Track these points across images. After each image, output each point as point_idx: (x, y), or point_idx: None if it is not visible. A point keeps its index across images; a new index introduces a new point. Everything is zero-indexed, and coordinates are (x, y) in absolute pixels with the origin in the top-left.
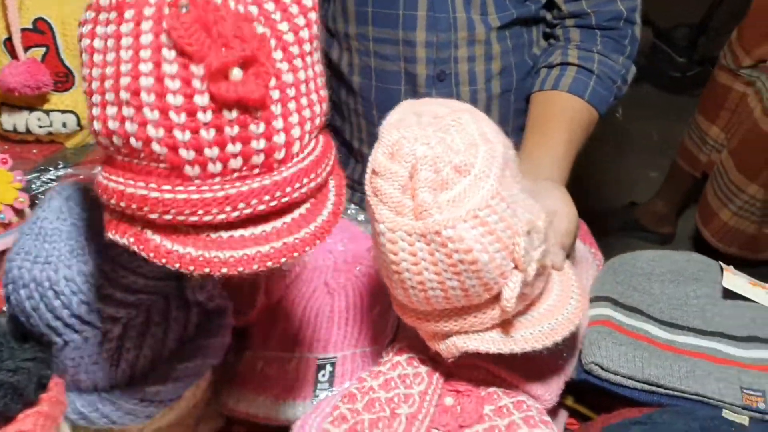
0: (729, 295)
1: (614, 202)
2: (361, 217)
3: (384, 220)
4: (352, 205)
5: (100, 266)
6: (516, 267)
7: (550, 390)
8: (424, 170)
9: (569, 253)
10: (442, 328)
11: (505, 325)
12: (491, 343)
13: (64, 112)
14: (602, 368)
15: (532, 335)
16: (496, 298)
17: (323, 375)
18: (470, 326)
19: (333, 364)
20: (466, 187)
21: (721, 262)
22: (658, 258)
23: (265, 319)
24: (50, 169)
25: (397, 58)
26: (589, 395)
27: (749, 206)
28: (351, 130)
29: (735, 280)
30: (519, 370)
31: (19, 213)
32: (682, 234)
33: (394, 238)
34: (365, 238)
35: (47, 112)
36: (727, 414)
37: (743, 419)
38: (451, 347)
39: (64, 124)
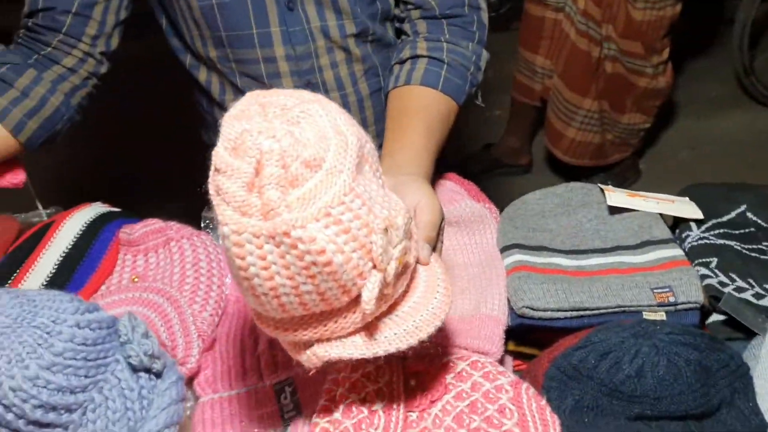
0: (614, 210)
1: (471, 147)
2: None
3: (228, 222)
4: None
5: (44, 365)
6: (374, 267)
7: (495, 343)
8: (271, 166)
9: (435, 246)
10: (300, 337)
11: (369, 327)
12: (354, 348)
13: None
14: (533, 309)
15: (396, 335)
16: (356, 300)
17: (285, 398)
18: (331, 333)
19: (291, 385)
20: (317, 184)
21: (599, 184)
22: (543, 196)
23: (209, 364)
24: None
25: (261, 76)
26: (527, 335)
27: (588, 119)
28: None
29: (615, 197)
30: (463, 335)
31: None
32: (538, 159)
33: (240, 241)
34: None
35: None
36: (647, 315)
37: (661, 315)
38: (312, 357)
39: None
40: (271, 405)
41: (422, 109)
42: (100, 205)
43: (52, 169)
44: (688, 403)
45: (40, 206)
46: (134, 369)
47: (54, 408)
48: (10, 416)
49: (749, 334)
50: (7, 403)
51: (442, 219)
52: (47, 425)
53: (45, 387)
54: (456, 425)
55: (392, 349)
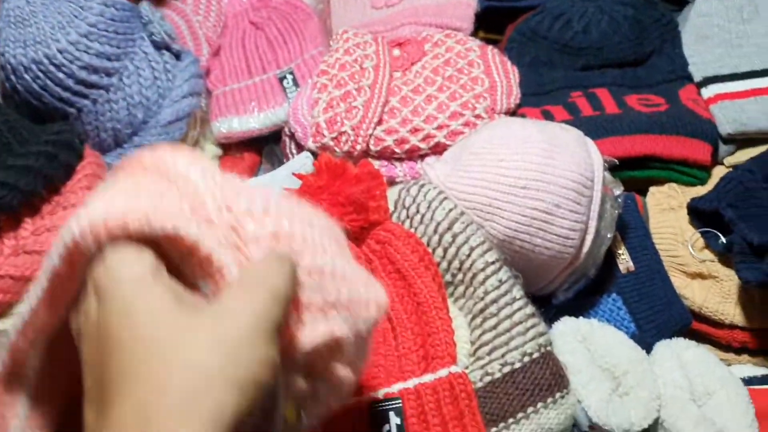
0: None
1: None
2: None
3: None
4: None
5: (82, 33)
6: None
7: (466, 21)
8: None
9: None
10: None
11: None
12: None
13: None
14: None
15: None
16: None
17: (287, 83)
18: None
19: (291, 73)
20: None
21: None
22: None
23: (216, 66)
24: None
25: None
26: (493, 25)
27: None
28: None
29: None
30: (438, 16)
31: None
32: None
33: None
34: None
35: None
36: None
37: None
38: None
39: None
40: (277, 89)
41: None
42: None
43: None
44: (625, 51)
45: None
46: (157, 46)
47: (96, 70)
48: (61, 75)
49: (682, 7)
50: (57, 62)
51: None
52: (92, 86)
53: (85, 51)
54: (433, 74)
55: None
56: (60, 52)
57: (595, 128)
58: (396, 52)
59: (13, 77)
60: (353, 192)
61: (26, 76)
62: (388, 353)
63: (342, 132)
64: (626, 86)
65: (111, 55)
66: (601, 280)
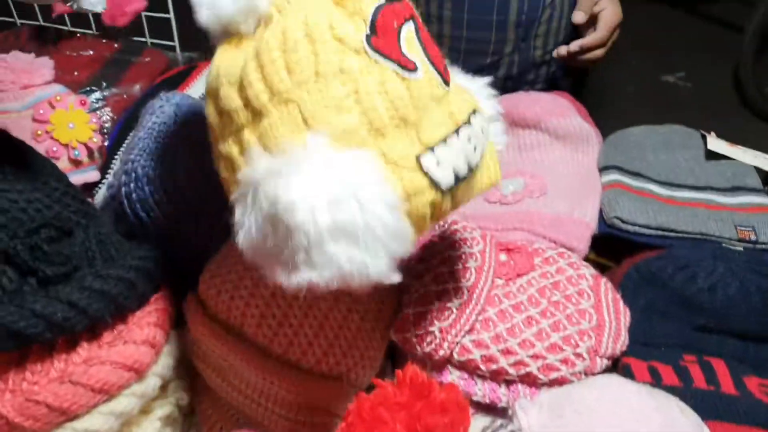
0: (711, 156)
1: None
2: None
3: None
4: None
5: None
6: None
7: (582, 243)
8: None
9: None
10: None
11: None
12: None
13: None
14: (623, 221)
15: None
16: None
17: None
18: None
19: None
20: None
21: (701, 131)
22: (647, 132)
23: None
24: (95, 89)
25: None
26: (607, 250)
27: None
28: None
29: (715, 143)
30: (554, 230)
31: (90, 153)
32: None
33: None
34: None
35: None
36: (726, 245)
37: (739, 248)
38: None
39: None
40: None
41: None
42: None
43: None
44: (751, 324)
45: (178, 50)
46: None
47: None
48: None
49: None
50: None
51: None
52: None
53: None
54: (539, 295)
55: None
56: None
57: (705, 406)
58: (503, 257)
59: (132, 185)
60: (435, 423)
61: (146, 189)
62: None
63: (429, 331)
64: (747, 364)
65: None
66: None
